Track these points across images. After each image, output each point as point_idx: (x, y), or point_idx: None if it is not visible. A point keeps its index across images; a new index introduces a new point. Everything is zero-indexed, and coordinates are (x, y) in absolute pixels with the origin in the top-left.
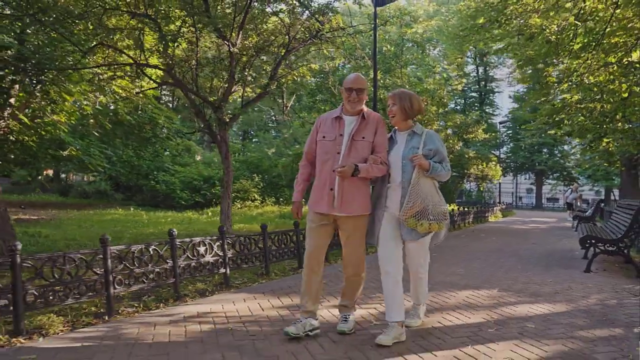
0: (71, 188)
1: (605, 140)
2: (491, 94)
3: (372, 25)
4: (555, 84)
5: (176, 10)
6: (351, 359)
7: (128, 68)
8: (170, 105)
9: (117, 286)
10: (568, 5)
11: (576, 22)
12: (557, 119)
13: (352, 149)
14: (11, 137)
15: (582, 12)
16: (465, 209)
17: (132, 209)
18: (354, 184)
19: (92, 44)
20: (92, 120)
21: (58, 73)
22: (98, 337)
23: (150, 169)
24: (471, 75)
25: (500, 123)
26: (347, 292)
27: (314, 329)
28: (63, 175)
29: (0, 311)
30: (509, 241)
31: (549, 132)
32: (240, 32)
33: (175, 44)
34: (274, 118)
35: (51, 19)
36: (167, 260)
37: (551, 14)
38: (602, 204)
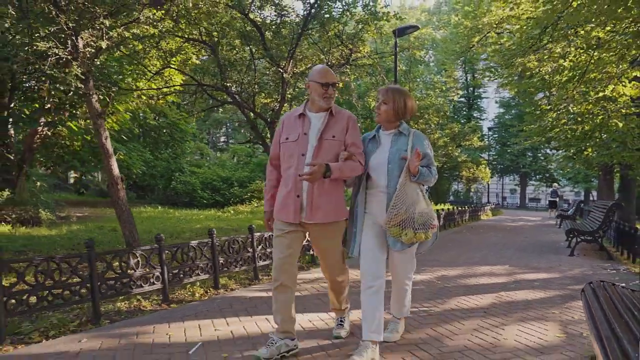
0: (88, 187)
1: (585, 153)
2: (479, 99)
3: (393, 51)
4: (547, 110)
5: (235, 41)
6: None
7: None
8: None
9: (223, 268)
10: (558, 50)
11: (563, 63)
12: (547, 136)
13: (321, 150)
14: (63, 142)
15: (568, 53)
16: (460, 208)
17: (159, 207)
18: (325, 187)
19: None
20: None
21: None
22: (230, 300)
23: (170, 170)
24: (460, 81)
25: (489, 129)
26: (332, 297)
27: (290, 350)
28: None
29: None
30: (505, 235)
31: (539, 145)
32: (291, 60)
33: (233, 69)
34: None
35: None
36: (249, 249)
37: (545, 57)
38: (582, 204)
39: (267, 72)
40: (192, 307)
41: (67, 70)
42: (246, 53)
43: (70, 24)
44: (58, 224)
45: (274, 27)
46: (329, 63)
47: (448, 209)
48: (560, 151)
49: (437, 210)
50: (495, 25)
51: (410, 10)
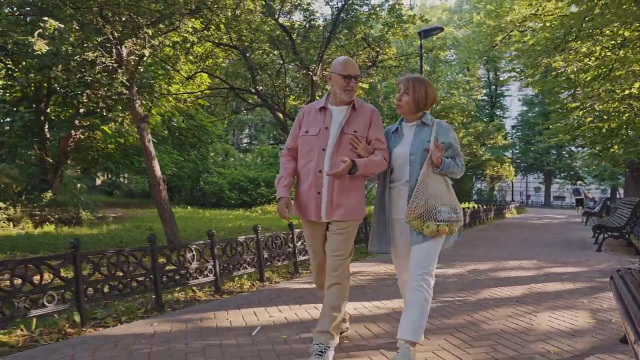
0: (118, 188)
1: (611, 150)
2: (502, 97)
3: (418, 53)
4: (573, 108)
5: (265, 45)
6: None
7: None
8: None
9: (267, 262)
10: (584, 50)
11: (589, 62)
12: (573, 134)
13: (342, 145)
14: (97, 145)
15: (593, 52)
16: (486, 206)
17: (188, 207)
18: (346, 183)
19: (193, 72)
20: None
21: (161, 94)
22: (290, 291)
23: (198, 171)
24: (482, 79)
25: (512, 127)
26: (323, 308)
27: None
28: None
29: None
30: (531, 232)
31: (564, 143)
32: (320, 63)
33: (264, 72)
34: None
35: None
36: (290, 245)
37: (570, 57)
38: (608, 202)
39: (297, 74)
40: (243, 297)
41: (114, 77)
42: (276, 57)
43: (116, 34)
44: (97, 223)
45: (302, 31)
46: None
47: (473, 206)
48: (586, 149)
49: (463, 208)
50: (518, 24)
51: (432, 9)
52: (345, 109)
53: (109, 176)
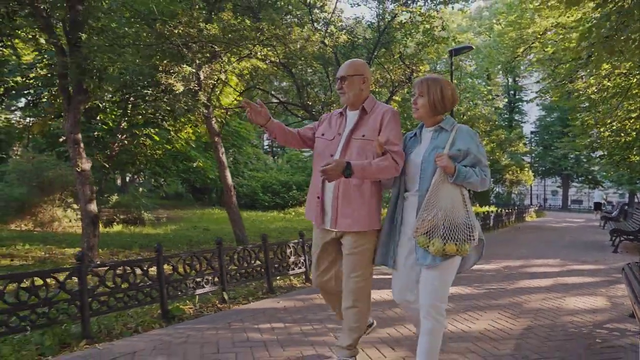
0: (155, 190)
1: (628, 160)
2: (520, 102)
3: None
4: (592, 125)
5: (313, 63)
6: None
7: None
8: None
9: None
10: (603, 72)
11: (608, 83)
12: (593, 146)
13: (348, 150)
14: (146, 152)
15: (612, 73)
16: (508, 210)
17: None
18: (353, 190)
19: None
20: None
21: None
22: None
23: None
24: (501, 85)
25: (531, 133)
26: (343, 326)
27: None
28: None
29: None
30: (552, 235)
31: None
32: None
33: (312, 88)
34: None
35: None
36: None
37: (591, 81)
38: (626, 207)
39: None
40: None
41: (197, 99)
42: (323, 74)
43: (197, 61)
44: (157, 224)
45: (344, 50)
46: (393, 81)
47: (496, 210)
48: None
49: (486, 212)
50: (539, 36)
51: (451, 15)
52: (357, 113)
53: (154, 179)
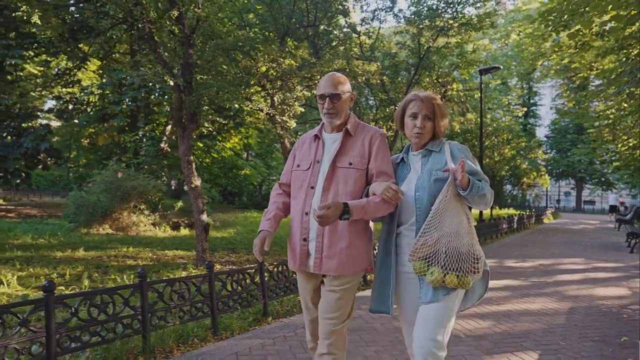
0: (184, 193)
1: None
2: (535, 107)
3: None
4: (610, 140)
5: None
6: None
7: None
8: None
9: None
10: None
11: (625, 105)
12: (611, 160)
13: (333, 182)
14: (196, 160)
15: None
16: (528, 212)
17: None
18: (340, 230)
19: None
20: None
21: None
22: None
23: (262, 178)
24: (515, 90)
25: (546, 137)
26: None
27: None
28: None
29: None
30: (571, 237)
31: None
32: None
33: (352, 108)
34: None
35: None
36: None
37: (609, 103)
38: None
39: (386, 110)
40: None
41: (276, 123)
42: (366, 93)
43: (275, 90)
44: (218, 227)
45: (387, 73)
46: None
47: (520, 213)
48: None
49: (509, 215)
50: (557, 50)
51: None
52: (338, 135)
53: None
